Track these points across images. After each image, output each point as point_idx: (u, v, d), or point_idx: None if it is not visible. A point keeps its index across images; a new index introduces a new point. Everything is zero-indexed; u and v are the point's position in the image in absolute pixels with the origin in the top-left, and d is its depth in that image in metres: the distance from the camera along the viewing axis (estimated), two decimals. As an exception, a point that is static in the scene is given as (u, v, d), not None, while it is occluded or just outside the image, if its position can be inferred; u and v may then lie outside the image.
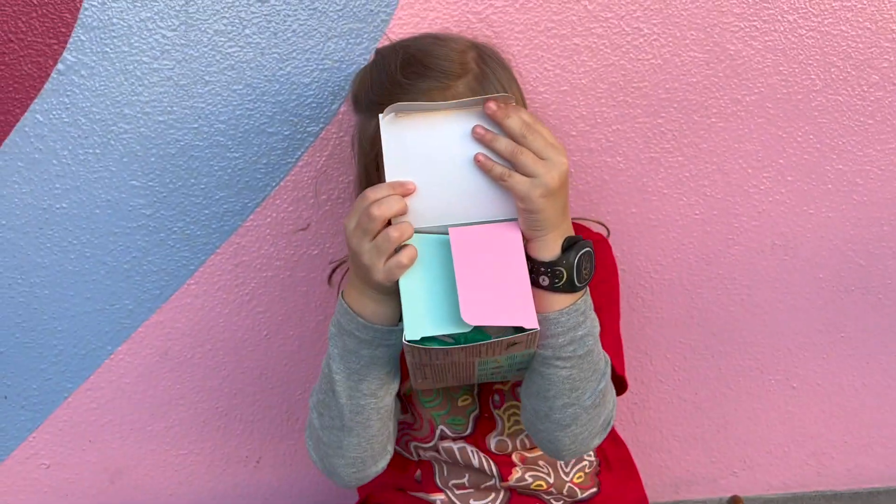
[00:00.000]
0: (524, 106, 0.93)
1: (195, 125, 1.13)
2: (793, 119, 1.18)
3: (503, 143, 0.76)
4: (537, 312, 0.76)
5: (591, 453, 1.01)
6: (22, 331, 1.20)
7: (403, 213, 0.78)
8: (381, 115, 0.77)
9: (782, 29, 1.14)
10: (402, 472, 1.03)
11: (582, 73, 1.14)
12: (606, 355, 0.87)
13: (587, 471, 1.01)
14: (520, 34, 1.09)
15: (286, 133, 1.14)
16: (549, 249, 0.79)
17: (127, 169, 1.14)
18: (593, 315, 0.83)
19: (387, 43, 1.02)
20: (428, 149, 0.78)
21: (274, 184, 1.16)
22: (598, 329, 0.84)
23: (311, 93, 1.13)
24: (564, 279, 0.78)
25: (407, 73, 0.86)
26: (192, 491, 1.29)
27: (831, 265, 1.27)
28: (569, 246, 0.80)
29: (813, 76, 1.16)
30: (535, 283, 0.79)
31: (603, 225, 1.14)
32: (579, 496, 1.01)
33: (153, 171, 1.14)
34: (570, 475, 1.01)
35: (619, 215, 1.20)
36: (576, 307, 0.80)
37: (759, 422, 1.35)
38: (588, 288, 0.83)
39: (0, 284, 1.17)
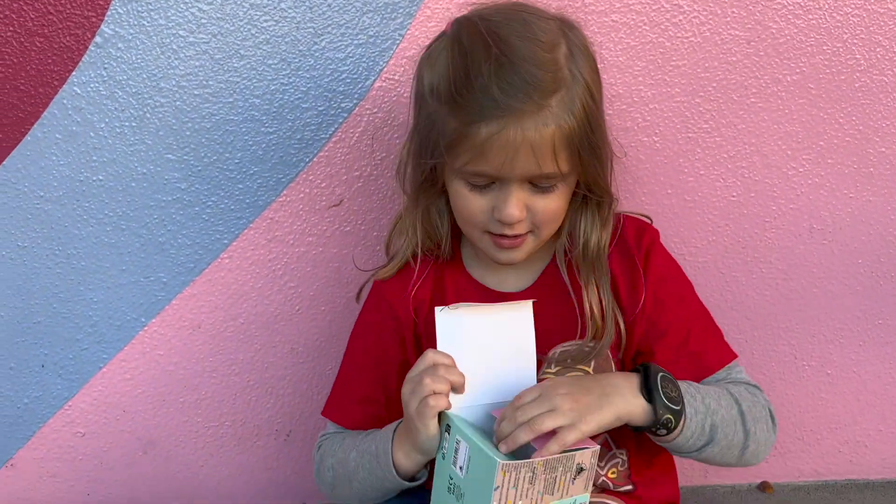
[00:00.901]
0: (599, 93, 0.90)
1: (230, 99, 1.13)
2: (835, 100, 1.16)
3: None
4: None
5: (624, 451, 1.00)
6: (59, 301, 1.21)
7: (447, 391, 0.84)
8: (437, 309, 0.86)
9: (826, 7, 1.11)
10: None
11: (619, 50, 1.12)
12: (733, 395, 0.91)
13: (620, 468, 0.99)
14: (555, 10, 1.07)
15: (320, 108, 1.14)
16: (637, 417, 0.84)
17: (163, 142, 1.14)
18: (706, 401, 0.88)
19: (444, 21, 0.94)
20: (477, 338, 0.87)
21: (307, 159, 1.16)
22: (714, 403, 0.88)
23: (346, 68, 1.12)
24: (674, 422, 0.84)
25: (502, 83, 0.81)
26: (223, 463, 1.31)
27: (871, 251, 1.24)
28: (647, 390, 0.84)
29: (857, 56, 1.13)
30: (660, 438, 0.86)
31: (647, 217, 1.05)
32: (611, 489, 1.00)
33: (188, 145, 1.15)
34: (605, 469, 0.99)
35: (654, 196, 1.19)
36: (690, 426, 0.85)
37: (791, 408, 1.33)
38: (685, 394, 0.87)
39: (38, 255, 1.19)
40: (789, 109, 1.16)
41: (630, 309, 0.95)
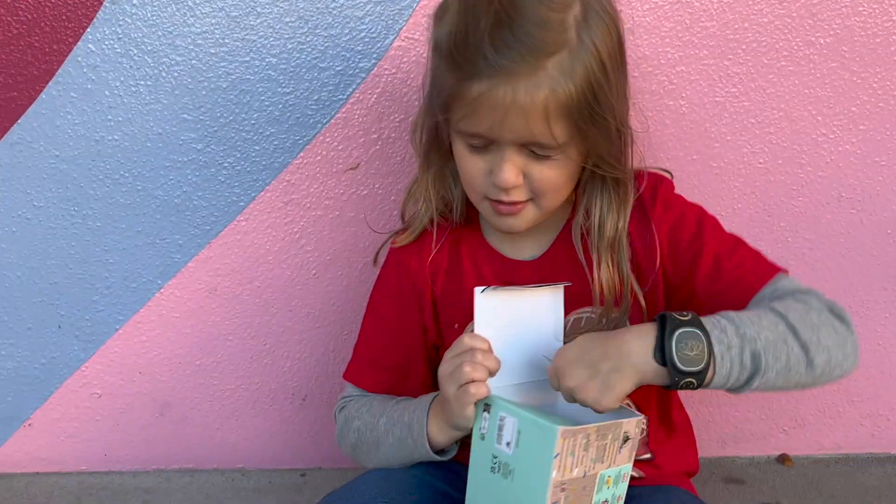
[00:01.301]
0: (616, 64, 0.85)
1: (247, 58, 1.11)
2: (869, 63, 1.12)
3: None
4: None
5: (645, 419, 0.96)
6: (75, 262, 1.21)
7: (486, 378, 0.83)
8: (476, 289, 0.84)
9: (864, -34, 1.07)
10: None
11: (646, 10, 1.09)
12: (777, 311, 0.82)
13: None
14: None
15: (338, 69, 1.12)
16: (656, 380, 0.80)
17: (178, 102, 1.13)
18: (741, 330, 0.80)
19: None
20: (511, 319, 0.86)
21: (325, 121, 1.14)
22: (752, 330, 0.80)
23: (364, 27, 1.10)
24: (696, 383, 0.79)
25: (495, 40, 0.78)
26: (239, 426, 1.31)
27: (901, 220, 1.21)
28: (661, 352, 0.78)
29: (894, 17, 1.09)
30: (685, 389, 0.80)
31: (667, 172, 1.00)
32: None
33: (204, 105, 1.13)
34: None
35: (679, 161, 1.16)
36: (724, 366, 0.79)
37: (813, 380, 1.31)
38: (717, 334, 0.80)
39: (54, 215, 1.18)
40: (821, 73, 1.13)
41: (648, 272, 0.92)
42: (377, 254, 1.03)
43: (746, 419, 1.34)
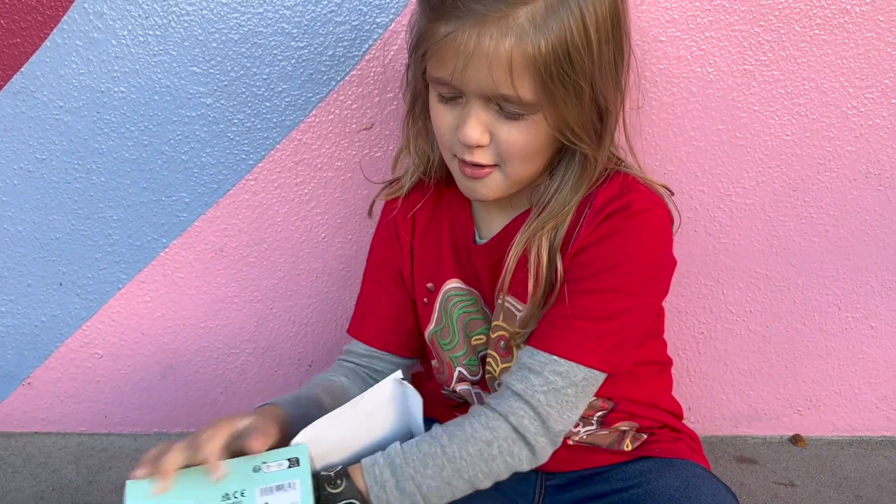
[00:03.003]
0: (608, 32, 0.78)
1: (260, 9, 1.07)
2: (906, 34, 1.08)
3: None
4: None
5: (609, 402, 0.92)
6: (78, 218, 1.17)
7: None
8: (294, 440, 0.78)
9: (906, -70, 1.02)
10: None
11: (678, -30, 1.05)
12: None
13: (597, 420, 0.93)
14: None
15: (354, 23, 1.07)
16: None
17: (188, 53, 1.09)
18: (399, 486, 0.77)
19: None
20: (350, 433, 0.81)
21: (339, 78, 1.10)
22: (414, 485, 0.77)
23: (383, -20, 1.05)
24: None
25: None
26: (243, 390, 1.28)
27: (929, 199, 1.18)
28: None
29: (935, -14, 1.05)
30: None
31: (667, 188, 0.90)
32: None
33: (214, 58, 1.09)
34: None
35: (703, 131, 1.12)
36: None
37: (830, 360, 1.28)
38: None
39: (56, 169, 1.15)
40: (855, 43, 1.09)
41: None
42: (372, 204, 1.00)
43: (760, 398, 1.31)
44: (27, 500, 1.17)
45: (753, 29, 1.08)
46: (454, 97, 0.80)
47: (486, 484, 0.80)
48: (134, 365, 1.26)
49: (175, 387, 1.28)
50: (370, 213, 1.01)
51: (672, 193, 0.90)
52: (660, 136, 1.11)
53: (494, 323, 0.90)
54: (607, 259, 0.82)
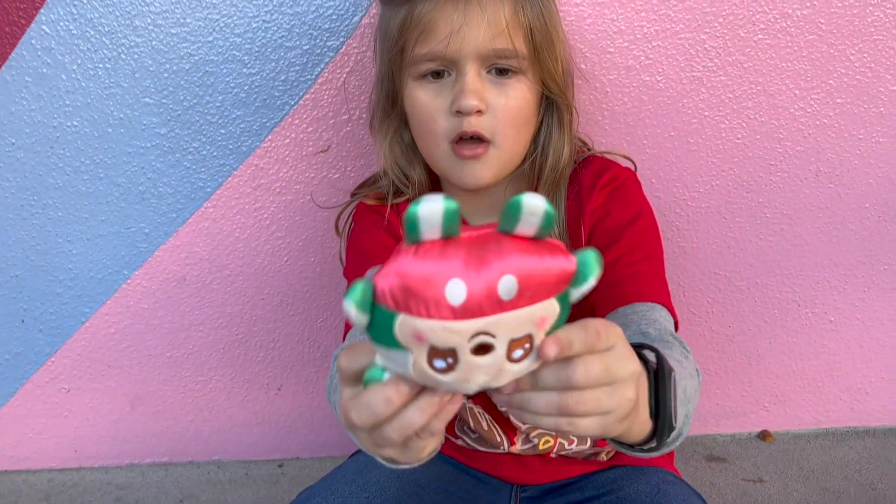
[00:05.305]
0: (554, 31, 0.85)
1: (210, 38, 1.07)
2: (846, 35, 1.10)
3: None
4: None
5: None
6: (37, 253, 1.17)
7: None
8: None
9: (841, -65, 1.05)
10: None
11: (621, -17, 1.06)
12: (697, 369, 0.72)
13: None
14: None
15: (305, 48, 1.08)
16: (630, 439, 0.61)
17: (139, 85, 1.08)
18: (688, 392, 0.67)
19: None
20: None
21: (293, 102, 1.11)
22: (690, 388, 0.68)
23: (331, 4, 1.06)
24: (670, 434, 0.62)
25: None
26: (213, 417, 1.28)
27: (879, 194, 1.20)
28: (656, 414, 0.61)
29: (872, -12, 1.08)
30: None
31: (629, 159, 0.98)
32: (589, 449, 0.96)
33: (167, 88, 1.09)
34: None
35: (656, 138, 1.14)
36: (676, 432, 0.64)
37: (793, 356, 1.30)
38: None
39: (13, 206, 1.14)
40: (798, 46, 1.11)
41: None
42: (338, 217, 0.98)
43: (727, 396, 1.33)
44: (-2, 541, 1.16)
45: (699, 36, 1.10)
46: (441, 71, 0.83)
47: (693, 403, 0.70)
48: (102, 398, 1.25)
49: (145, 417, 1.27)
50: (337, 228, 0.99)
51: (636, 167, 0.97)
52: (613, 145, 1.13)
53: None
54: (620, 223, 0.87)
